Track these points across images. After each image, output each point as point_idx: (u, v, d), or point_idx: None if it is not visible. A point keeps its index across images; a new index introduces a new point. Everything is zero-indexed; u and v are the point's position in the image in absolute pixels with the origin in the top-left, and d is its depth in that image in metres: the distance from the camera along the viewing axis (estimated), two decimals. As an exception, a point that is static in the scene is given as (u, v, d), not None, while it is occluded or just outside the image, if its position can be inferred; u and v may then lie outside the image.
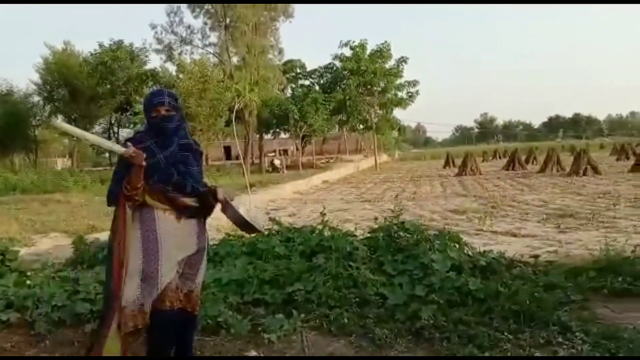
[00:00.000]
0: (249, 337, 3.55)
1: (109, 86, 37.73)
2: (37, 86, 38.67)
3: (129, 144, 2.60)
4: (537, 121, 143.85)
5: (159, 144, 2.69)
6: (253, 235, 3.02)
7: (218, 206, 2.87)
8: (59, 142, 50.28)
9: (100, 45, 38.30)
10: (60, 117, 40.42)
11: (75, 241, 5.82)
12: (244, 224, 2.88)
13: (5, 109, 36.70)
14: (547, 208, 12.42)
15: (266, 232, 5.51)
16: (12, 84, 39.82)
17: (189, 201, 2.72)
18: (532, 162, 32.93)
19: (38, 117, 40.12)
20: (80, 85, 36.47)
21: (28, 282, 4.53)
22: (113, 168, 2.90)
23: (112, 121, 43.38)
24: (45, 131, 42.60)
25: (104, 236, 6.09)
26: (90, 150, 54.67)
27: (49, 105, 39.61)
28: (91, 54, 38.61)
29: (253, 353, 3.30)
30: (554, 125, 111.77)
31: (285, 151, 49.47)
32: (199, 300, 2.86)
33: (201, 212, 2.82)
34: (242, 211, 2.85)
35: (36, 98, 39.37)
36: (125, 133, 46.93)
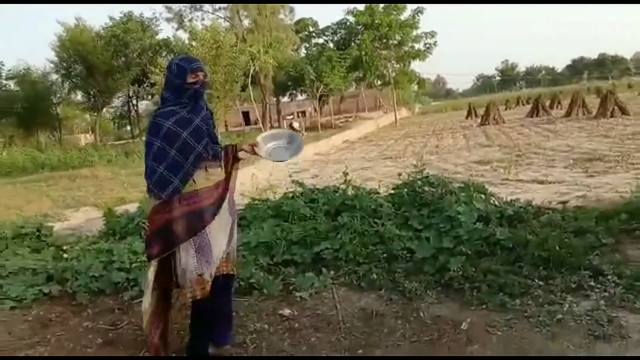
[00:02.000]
0: (282, 296, 3.64)
1: (123, 59, 37.76)
2: (54, 64, 38.91)
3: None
4: (560, 65, 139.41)
5: (192, 112, 2.66)
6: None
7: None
8: (80, 118, 50.95)
9: (111, 19, 38.22)
10: (79, 93, 40.85)
11: (105, 214, 5.97)
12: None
13: (25, 89, 37.18)
14: (574, 153, 12.17)
15: (290, 195, 5.56)
16: (29, 63, 40.20)
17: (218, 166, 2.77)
18: (557, 107, 32.04)
19: (58, 95, 40.54)
20: (96, 60, 36.50)
21: (65, 255, 4.70)
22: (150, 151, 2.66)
23: (130, 94, 43.58)
24: (67, 108, 43.15)
25: (133, 208, 6.23)
26: (112, 124, 55.36)
27: (67, 82, 39.90)
28: (103, 28, 38.56)
29: (287, 311, 3.38)
30: (578, 67, 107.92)
31: (303, 113, 49.14)
32: (236, 263, 2.92)
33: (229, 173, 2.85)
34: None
35: (54, 76, 39.68)
36: (144, 105, 47.28)
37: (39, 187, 12.94)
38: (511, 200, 5.02)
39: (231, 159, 2.85)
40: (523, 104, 43.42)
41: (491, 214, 4.42)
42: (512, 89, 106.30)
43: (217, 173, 2.74)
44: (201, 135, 2.64)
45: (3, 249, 5.12)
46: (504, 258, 3.75)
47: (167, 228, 2.58)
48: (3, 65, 37.35)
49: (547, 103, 30.84)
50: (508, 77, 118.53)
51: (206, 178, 2.67)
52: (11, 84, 38.42)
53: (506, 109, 40.06)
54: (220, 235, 2.69)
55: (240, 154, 2.89)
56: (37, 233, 5.47)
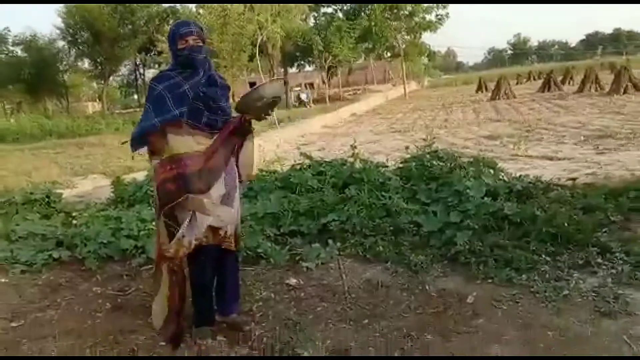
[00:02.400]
0: (288, 266, 3.67)
1: (130, 26, 37.31)
2: (61, 31, 38.57)
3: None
4: (574, 40, 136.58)
5: (186, 77, 2.61)
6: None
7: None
8: (87, 86, 50.78)
9: (118, -16, 37.58)
10: (86, 61, 40.60)
11: (113, 182, 6.00)
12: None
13: (33, 56, 36.98)
14: (585, 129, 12.03)
15: (297, 167, 5.55)
16: (35, 30, 39.91)
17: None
18: (569, 83, 31.48)
19: (65, 62, 40.32)
20: (102, 27, 36.09)
21: (74, 222, 4.74)
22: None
23: (137, 62, 43.30)
24: (74, 75, 42.98)
25: (141, 176, 6.25)
26: (118, 92, 55.18)
27: (74, 49, 39.62)
28: (110, -6, 38.01)
29: (293, 281, 3.42)
30: (592, 42, 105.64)
31: (311, 84, 48.67)
32: (237, 236, 2.85)
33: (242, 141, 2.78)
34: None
35: (61, 43, 39.40)
36: (150, 74, 46.93)
37: (47, 154, 13.00)
38: (520, 176, 4.99)
39: (237, 129, 2.72)
40: (534, 79, 42.73)
41: (500, 189, 4.40)
42: (524, 63, 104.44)
43: (207, 142, 2.64)
44: (183, 101, 2.57)
45: (13, 214, 5.17)
46: (511, 233, 3.74)
47: (157, 190, 2.63)
48: (9, 31, 37.12)
49: (559, 78, 30.33)
50: (520, 51, 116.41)
51: (196, 143, 2.59)
52: (18, 50, 38.22)
53: (517, 83, 39.47)
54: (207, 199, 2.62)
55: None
56: (47, 199, 5.51)
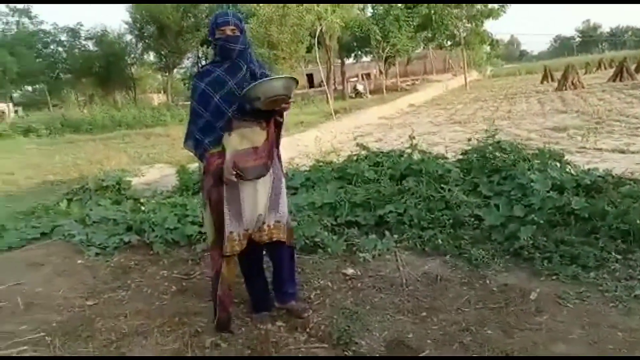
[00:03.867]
0: (345, 256, 3.70)
1: (192, 19, 38.44)
2: (129, 25, 40.39)
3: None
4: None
5: (228, 71, 2.61)
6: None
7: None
8: (153, 78, 52.90)
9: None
10: (151, 54, 42.26)
11: (179, 170, 6.25)
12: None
13: (103, 49, 39.01)
14: (662, 121, 11.25)
15: (354, 157, 5.56)
16: (105, 25, 42.02)
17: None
18: (645, 71, 29.46)
19: (132, 55, 42.20)
20: (167, 21, 37.45)
21: (142, 208, 4.99)
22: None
23: (200, 55, 44.57)
24: (141, 68, 44.90)
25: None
26: (182, 84, 57.13)
27: (141, 43, 41.39)
28: (173, -12, 39.32)
29: (350, 271, 3.44)
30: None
31: (368, 75, 48.24)
32: (289, 228, 2.85)
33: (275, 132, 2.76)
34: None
35: (128, 37, 41.28)
36: (212, 67, 48.12)
37: (117, 144, 13.73)
38: (589, 169, 4.75)
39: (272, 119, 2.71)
40: (605, 68, 40.23)
41: (566, 182, 4.20)
42: (594, 51, 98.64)
43: (254, 133, 2.63)
44: (233, 99, 2.57)
45: (88, 200, 5.51)
46: (578, 229, 3.59)
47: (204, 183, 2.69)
48: (82, 26, 39.34)
49: (633, 67, 28.39)
50: (589, 39, 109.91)
51: (241, 140, 2.60)
52: (90, 45, 40.41)
53: (586, 72, 37.31)
54: (252, 198, 2.64)
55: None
56: (117, 186, 5.84)
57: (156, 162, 9.93)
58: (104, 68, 37.97)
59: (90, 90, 41.95)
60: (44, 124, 22.38)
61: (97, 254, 4.06)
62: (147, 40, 40.57)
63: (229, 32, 2.60)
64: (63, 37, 39.42)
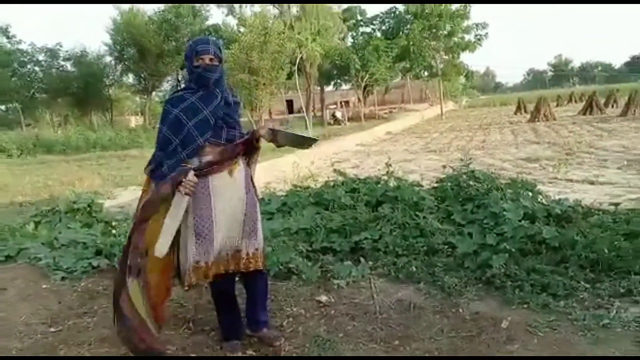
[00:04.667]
0: (319, 283, 3.66)
1: (174, 43, 38.59)
2: (108, 47, 40.28)
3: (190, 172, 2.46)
4: (618, 61, 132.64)
5: (202, 99, 2.55)
6: (310, 146, 2.85)
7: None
8: (131, 100, 52.57)
9: (163, 3, 39.11)
10: (130, 76, 42.10)
11: (152, 193, 6.15)
12: (297, 140, 2.85)
13: (81, 70, 38.69)
14: (629, 154, 11.61)
15: (331, 183, 5.57)
16: (85, 45, 41.78)
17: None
18: (612, 106, 30.51)
19: (111, 77, 41.96)
20: (148, 44, 37.54)
21: (113, 231, 4.88)
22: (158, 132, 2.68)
23: (179, 78, 44.58)
24: (119, 90, 44.62)
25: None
26: (161, 107, 56.80)
27: (120, 65, 41.24)
28: (155, 12, 39.56)
29: (324, 298, 3.41)
30: (637, 64, 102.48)
31: (347, 102, 48.85)
32: (264, 256, 2.79)
33: (249, 159, 2.76)
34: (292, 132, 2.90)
35: (108, 58, 41.11)
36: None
37: (91, 165, 13.51)
38: (559, 199, 4.85)
39: (248, 145, 2.71)
40: (576, 101, 41.59)
41: (538, 212, 4.28)
42: (565, 85, 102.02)
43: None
44: (207, 128, 2.53)
45: (57, 222, 5.37)
46: (549, 258, 3.64)
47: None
48: (61, 47, 39.01)
49: (602, 101, 29.44)
50: (561, 73, 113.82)
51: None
52: (68, 65, 40.05)
53: (557, 105, 38.48)
54: (226, 225, 2.59)
55: (261, 136, 2.71)
56: (89, 209, 5.70)
57: (130, 185, 9.77)
58: (82, 89, 37.60)
59: (66, 111, 41.34)
60: (15, 143, 21.92)
61: (63, 279, 3.93)
62: (126, 62, 40.49)
63: (207, 62, 2.55)
64: (41, 57, 38.99)
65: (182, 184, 2.44)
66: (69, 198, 6.15)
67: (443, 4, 32.37)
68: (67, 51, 39.19)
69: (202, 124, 2.53)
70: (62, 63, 39.72)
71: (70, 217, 5.51)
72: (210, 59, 2.56)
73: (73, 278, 3.95)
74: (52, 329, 3.16)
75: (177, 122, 2.53)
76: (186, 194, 2.46)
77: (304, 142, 2.90)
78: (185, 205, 2.48)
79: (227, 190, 2.59)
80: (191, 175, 2.46)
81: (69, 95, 38.57)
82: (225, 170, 2.60)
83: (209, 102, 2.56)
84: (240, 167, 2.67)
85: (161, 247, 2.45)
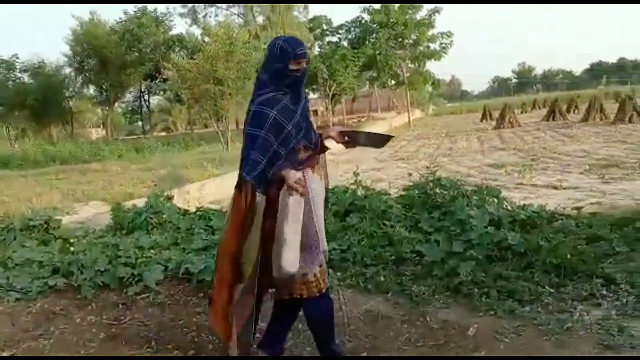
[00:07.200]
0: (286, 297, 3.57)
1: (137, 54, 37.89)
2: (68, 58, 39.23)
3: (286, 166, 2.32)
4: (578, 69, 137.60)
5: (293, 101, 2.44)
6: (386, 143, 2.72)
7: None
8: (92, 112, 51.28)
9: (125, 13, 38.39)
10: (92, 87, 41.10)
11: (113, 208, 5.96)
12: (376, 138, 2.72)
13: (39, 82, 37.39)
14: (590, 158, 11.97)
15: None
16: (42, 57, 40.53)
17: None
18: (574, 112, 31.56)
19: (71, 89, 40.84)
20: (109, 55, 36.74)
21: (72, 248, 4.69)
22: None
23: (142, 89, 43.85)
24: (79, 102, 43.45)
25: (141, 202, 6.22)
26: (123, 119, 55.64)
27: (81, 76, 40.22)
28: (117, 22, 38.81)
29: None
30: (596, 72, 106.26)
31: (315, 112, 49.02)
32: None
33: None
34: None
35: (67, 70, 39.99)
36: (155, 100, 47.41)
37: (50, 180, 13.00)
38: (524, 205, 4.93)
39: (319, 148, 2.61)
40: (539, 108, 42.82)
41: (503, 218, 4.34)
42: (529, 92, 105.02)
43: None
44: (300, 130, 2.44)
45: (11, 241, 5.13)
46: (515, 264, 3.67)
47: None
48: (17, 58, 37.56)
49: (564, 107, 30.39)
50: (525, 80, 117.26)
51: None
52: (25, 77, 38.69)
53: (522, 112, 39.55)
54: (323, 233, 2.47)
55: (327, 142, 2.63)
56: (45, 225, 5.48)
57: (91, 199, 9.46)
58: (39, 101, 36.15)
59: (24, 124, 39.85)
60: (-33, 159, 21.05)
61: (17, 299, 3.76)
62: (87, 74, 39.52)
63: (305, 65, 2.44)
64: (-5, 70, 37.52)
65: (296, 185, 2.25)
66: (24, 215, 5.89)
67: (407, 15, 32.90)
68: (23, 63, 37.87)
69: (297, 125, 2.42)
70: (19, 75, 38.33)
71: (25, 235, 5.28)
72: (307, 62, 2.49)
73: (28, 299, 3.80)
74: (5, 353, 3.01)
75: (277, 124, 2.36)
76: (302, 194, 2.27)
77: (382, 140, 2.74)
78: (302, 207, 2.31)
79: (319, 196, 2.50)
80: (301, 175, 2.31)
81: (26, 108, 37.05)
82: (316, 173, 2.51)
83: (298, 104, 2.47)
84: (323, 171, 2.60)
85: (291, 264, 2.29)
